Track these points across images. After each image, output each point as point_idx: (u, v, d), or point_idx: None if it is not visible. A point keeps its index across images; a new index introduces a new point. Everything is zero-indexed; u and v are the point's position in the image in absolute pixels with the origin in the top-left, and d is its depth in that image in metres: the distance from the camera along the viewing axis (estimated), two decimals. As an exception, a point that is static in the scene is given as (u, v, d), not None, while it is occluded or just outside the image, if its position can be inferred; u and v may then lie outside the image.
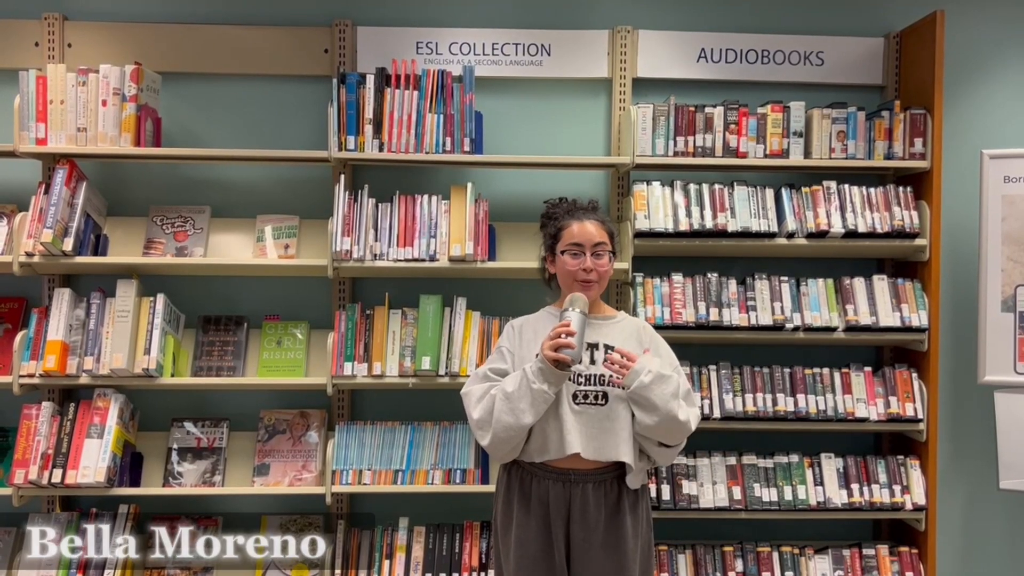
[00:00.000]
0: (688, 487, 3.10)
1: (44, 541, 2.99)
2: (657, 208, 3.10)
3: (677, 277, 3.12)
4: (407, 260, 3.03)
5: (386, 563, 3.07)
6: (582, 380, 2.33)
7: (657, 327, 3.01)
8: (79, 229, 3.02)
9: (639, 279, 3.10)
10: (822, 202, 3.13)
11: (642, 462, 2.38)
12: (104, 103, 3.01)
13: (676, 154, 3.13)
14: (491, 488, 2.80)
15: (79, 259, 3.01)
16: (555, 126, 3.37)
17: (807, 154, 3.17)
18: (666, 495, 3.08)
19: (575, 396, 2.32)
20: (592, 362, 2.35)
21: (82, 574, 2.95)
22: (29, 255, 2.96)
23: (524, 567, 2.32)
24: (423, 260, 3.04)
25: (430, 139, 3.04)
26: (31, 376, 2.97)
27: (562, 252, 2.40)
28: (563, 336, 2.22)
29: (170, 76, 3.26)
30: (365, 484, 3.05)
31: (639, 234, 3.07)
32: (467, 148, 3.05)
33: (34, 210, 2.99)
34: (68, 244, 2.98)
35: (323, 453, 3.13)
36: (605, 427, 2.31)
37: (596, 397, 2.32)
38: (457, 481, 3.07)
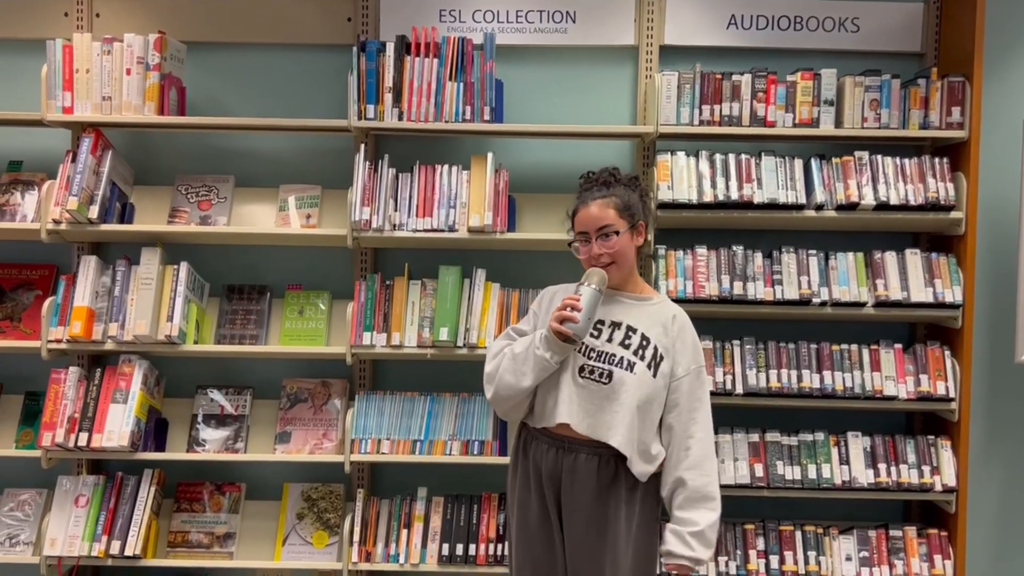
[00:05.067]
0: (709, 463, 3.04)
1: (71, 502, 3.07)
2: (681, 179, 3.03)
3: (701, 250, 3.05)
4: (426, 230, 3.02)
5: (404, 532, 3.08)
6: (593, 355, 2.29)
7: (679, 301, 2.97)
8: (105, 197, 3.06)
9: (661, 252, 3.04)
10: (853, 173, 3.03)
11: (651, 464, 2.29)
12: (128, 72, 3.03)
13: (701, 123, 3.05)
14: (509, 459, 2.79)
15: (104, 227, 3.05)
16: (580, 95, 3.31)
17: (838, 123, 3.07)
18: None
19: (581, 369, 2.28)
20: (609, 340, 2.30)
21: (108, 535, 3.02)
22: (56, 223, 3.01)
23: (524, 531, 2.33)
24: (442, 231, 3.02)
25: (450, 108, 3.01)
26: (59, 341, 3.02)
27: (570, 243, 2.38)
28: (569, 310, 2.20)
29: (196, 46, 3.27)
30: (384, 453, 3.06)
31: (662, 205, 3.01)
32: (487, 117, 3.01)
33: (61, 178, 3.03)
34: (94, 212, 3.02)
35: (343, 422, 3.14)
36: (603, 406, 2.26)
37: (601, 375, 2.27)
38: (475, 452, 3.06)
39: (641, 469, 2.26)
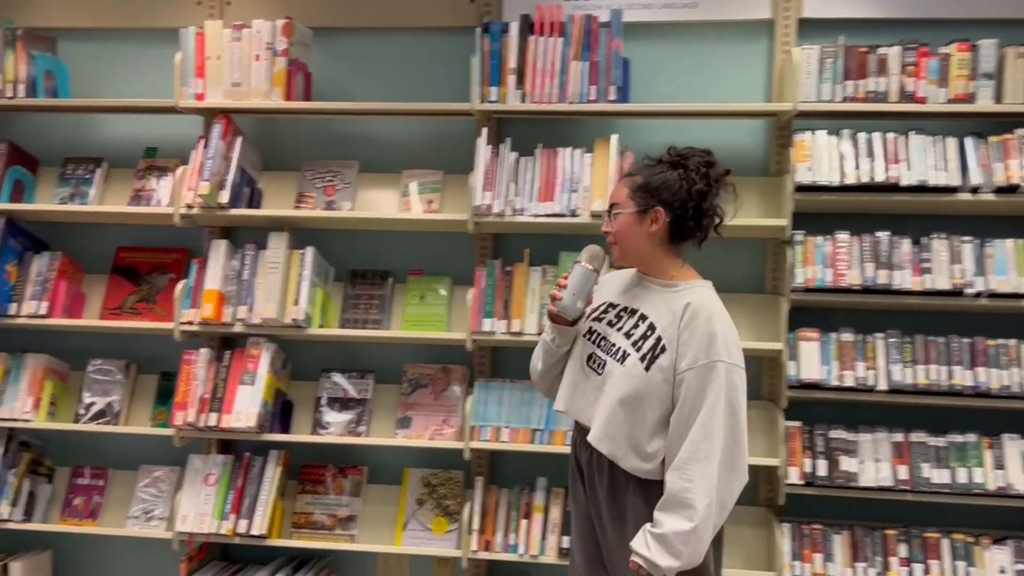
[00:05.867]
0: (847, 463, 2.87)
1: (202, 480, 3.15)
2: (821, 159, 2.85)
3: (842, 235, 2.86)
4: (547, 215, 2.94)
5: (523, 523, 3.03)
6: (603, 344, 2.15)
7: (818, 290, 2.83)
8: (235, 183, 3.11)
9: (799, 237, 2.86)
10: (1014, 153, 2.78)
11: (647, 461, 2.06)
12: (257, 58, 3.07)
13: (845, 100, 2.86)
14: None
15: (234, 211, 3.11)
16: (710, 73, 3.16)
17: (998, 99, 2.82)
18: (822, 471, 2.86)
19: (589, 357, 2.17)
20: (620, 328, 2.13)
21: (235, 514, 3.08)
22: (189, 207, 3.09)
23: (574, 516, 2.29)
24: (564, 216, 2.94)
25: (574, 88, 2.92)
26: (190, 323, 3.10)
27: None
28: (557, 288, 2.16)
29: (322, 31, 3.29)
30: (503, 441, 3.01)
31: (800, 188, 2.83)
32: (612, 97, 2.91)
33: (194, 164, 3.10)
34: (224, 197, 3.08)
35: (463, 409, 3.11)
36: (597, 398, 2.12)
37: (599, 364, 2.14)
38: (597, 444, 2.97)
39: (633, 465, 2.06)
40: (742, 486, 2.03)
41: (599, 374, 2.13)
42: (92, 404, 3.28)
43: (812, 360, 2.86)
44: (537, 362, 2.30)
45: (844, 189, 2.83)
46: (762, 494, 3.11)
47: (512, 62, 2.95)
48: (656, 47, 3.16)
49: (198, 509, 3.10)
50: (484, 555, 3.01)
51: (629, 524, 2.09)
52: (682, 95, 3.15)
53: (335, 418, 3.21)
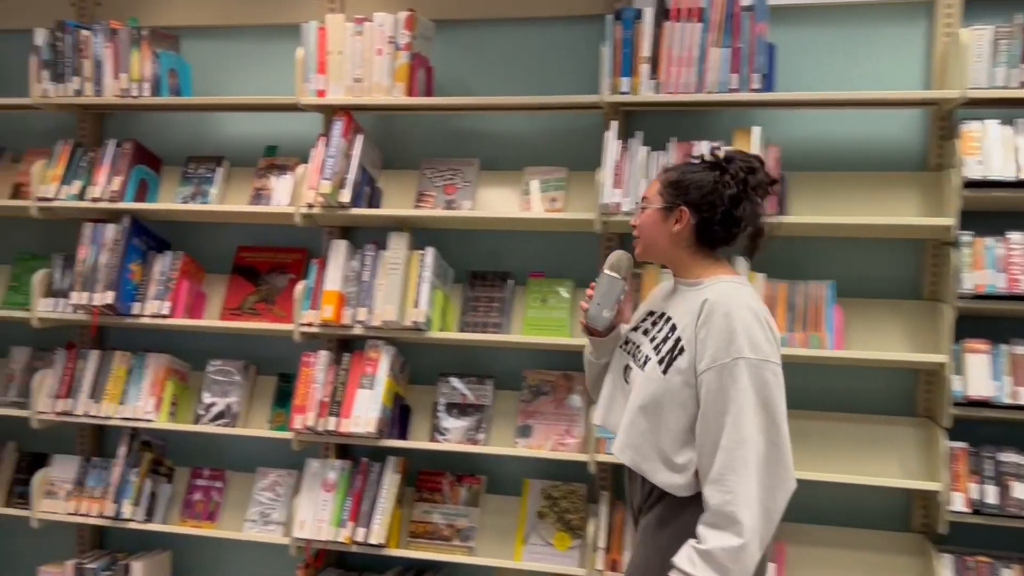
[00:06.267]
0: (1019, 490, 2.58)
1: (320, 486, 3.08)
2: (992, 152, 2.57)
3: (1016, 236, 2.58)
4: (684, 213, 2.75)
5: (652, 542, 2.84)
6: (637, 354, 2.04)
7: (987, 297, 2.55)
8: (355, 181, 3.03)
9: (967, 238, 2.59)
10: None
11: (678, 473, 1.90)
12: (379, 52, 2.98)
13: (1022, 85, 2.57)
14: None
15: (354, 211, 3.02)
16: (861, 59, 2.90)
17: None
18: (991, 498, 2.58)
19: (625, 368, 2.08)
20: (650, 336, 2.02)
21: (353, 522, 3.00)
22: (310, 206, 3.02)
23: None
24: (702, 214, 2.73)
25: (713, 76, 2.71)
26: (310, 325, 3.03)
27: None
28: (586, 297, 2.12)
29: (443, 23, 3.18)
30: (632, 455, 2.83)
31: (969, 183, 2.56)
32: (756, 85, 2.69)
33: (315, 162, 3.03)
34: (344, 196, 3.00)
35: (587, 419, 2.95)
36: (625, 407, 2.03)
37: (629, 375, 2.05)
38: (734, 460, 2.76)
39: (664, 480, 1.91)
40: (788, 494, 1.82)
41: (629, 384, 2.05)
42: (212, 405, 3.25)
43: (981, 375, 2.58)
44: (585, 376, 2.29)
45: (1020, 185, 2.55)
46: (916, 520, 2.84)
47: (645, 50, 2.77)
48: (803, 31, 2.92)
49: (316, 515, 3.03)
50: (611, 575, 2.84)
51: (669, 547, 1.91)
52: (831, 83, 2.90)
53: (453, 424, 3.09)
